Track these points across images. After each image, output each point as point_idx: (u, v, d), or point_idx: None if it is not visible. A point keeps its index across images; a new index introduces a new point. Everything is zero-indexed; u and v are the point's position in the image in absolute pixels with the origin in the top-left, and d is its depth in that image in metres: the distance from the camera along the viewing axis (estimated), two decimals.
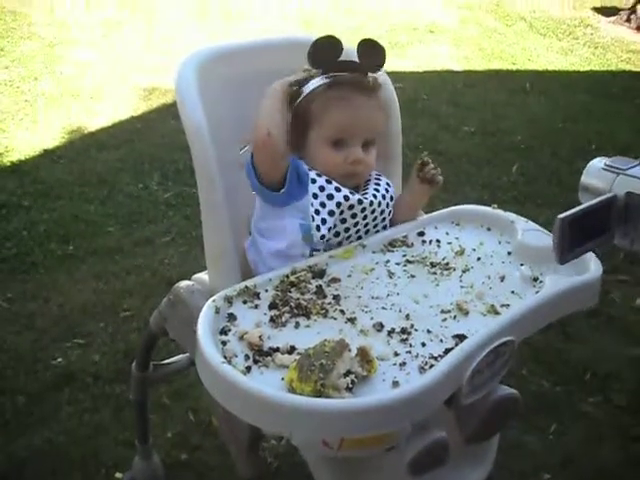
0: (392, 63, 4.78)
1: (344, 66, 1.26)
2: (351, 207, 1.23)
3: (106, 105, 3.86)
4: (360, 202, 1.25)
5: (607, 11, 6.15)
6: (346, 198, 1.23)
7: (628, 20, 5.86)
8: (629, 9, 5.95)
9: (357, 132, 1.26)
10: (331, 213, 1.22)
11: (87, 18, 4.88)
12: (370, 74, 1.29)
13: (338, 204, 1.22)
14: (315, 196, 1.22)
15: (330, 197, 1.22)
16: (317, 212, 1.22)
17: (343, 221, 1.24)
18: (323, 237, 1.22)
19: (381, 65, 1.29)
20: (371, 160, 1.29)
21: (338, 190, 1.23)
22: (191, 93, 1.23)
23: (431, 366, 0.97)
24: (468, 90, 4.42)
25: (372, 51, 1.27)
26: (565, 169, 3.41)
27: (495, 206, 1.37)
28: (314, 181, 1.23)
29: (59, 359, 2.14)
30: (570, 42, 5.50)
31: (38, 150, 3.37)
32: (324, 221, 1.22)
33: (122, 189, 3.08)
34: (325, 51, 1.24)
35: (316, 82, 1.26)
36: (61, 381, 2.05)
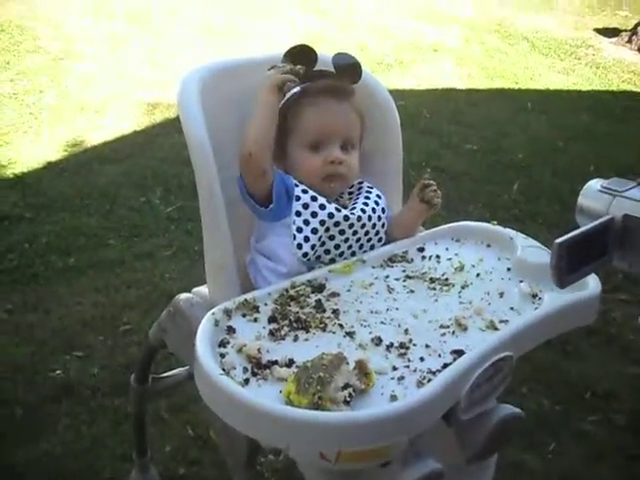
0: (395, 81, 4.84)
1: (319, 75, 1.29)
2: (337, 224, 1.23)
3: (110, 119, 3.88)
4: (347, 218, 1.24)
5: (609, 32, 6.19)
6: (330, 215, 1.23)
7: (629, 41, 5.90)
8: (630, 30, 5.99)
9: (332, 133, 1.27)
10: (314, 231, 1.22)
11: (93, 32, 4.91)
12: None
13: (322, 222, 1.22)
14: (298, 214, 1.22)
15: (314, 215, 1.22)
16: (299, 230, 1.22)
17: (331, 238, 1.24)
18: (306, 255, 1.22)
19: (357, 78, 1.32)
20: (352, 162, 1.30)
21: (323, 208, 1.23)
22: (194, 107, 1.24)
23: (429, 380, 0.97)
24: (470, 108, 4.45)
25: (346, 63, 1.32)
26: (565, 188, 3.41)
27: (495, 222, 1.38)
28: (298, 198, 1.23)
29: (58, 371, 2.14)
30: (572, 62, 5.53)
31: (41, 163, 3.38)
32: (307, 239, 1.22)
33: (124, 203, 3.09)
34: (299, 60, 1.27)
35: (290, 93, 1.29)
36: (59, 393, 2.05)
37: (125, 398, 1.93)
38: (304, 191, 1.24)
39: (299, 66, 1.26)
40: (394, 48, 5.30)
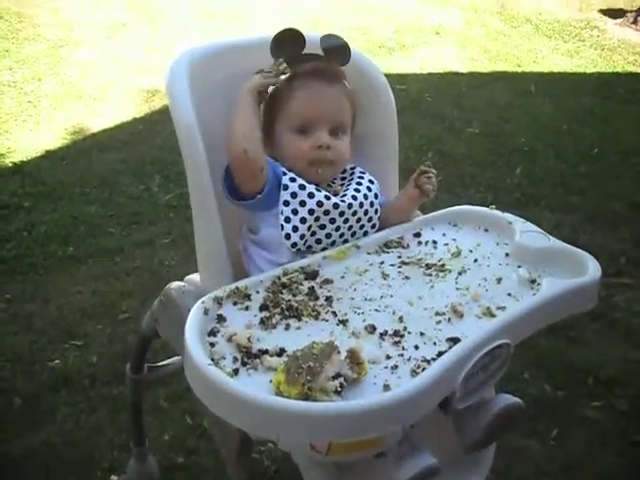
0: (397, 64, 4.79)
1: (307, 59, 1.25)
2: (327, 212, 1.20)
3: (109, 107, 3.86)
4: (336, 206, 1.21)
5: (613, 13, 6.11)
6: (320, 204, 1.19)
7: (634, 22, 5.82)
8: (635, 11, 5.91)
9: (321, 117, 1.24)
10: (303, 220, 1.19)
11: (91, 19, 4.87)
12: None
13: (311, 211, 1.19)
14: (286, 203, 1.19)
15: (302, 204, 1.19)
16: (287, 220, 1.19)
17: (322, 227, 1.21)
18: (295, 245, 1.19)
19: (346, 60, 1.29)
20: (342, 147, 1.26)
21: (311, 196, 1.19)
22: (182, 92, 1.22)
23: (423, 369, 0.94)
24: (473, 92, 4.40)
25: (334, 45, 1.28)
26: (569, 172, 3.37)
27: (493, 207, 1.35)
28: (286, 187, 1.19)
29: (56, 360, 2.13)
30: (576, 44, 5.46)
31: (40, 151, 3.37)
32: (295, 229, 1.19)
33: (123, 190, 3.08)
34: (287, 45, 1.24)
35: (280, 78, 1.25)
36: (58, 382, 2.05)
37: (124, 387, 1.92)
38: (292, 179, 1.21)
39: (284, 65, 1.23)
40: (396, 31, 5.24)
